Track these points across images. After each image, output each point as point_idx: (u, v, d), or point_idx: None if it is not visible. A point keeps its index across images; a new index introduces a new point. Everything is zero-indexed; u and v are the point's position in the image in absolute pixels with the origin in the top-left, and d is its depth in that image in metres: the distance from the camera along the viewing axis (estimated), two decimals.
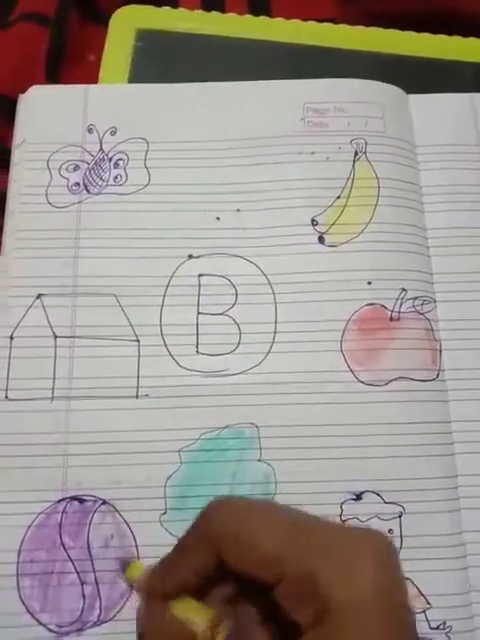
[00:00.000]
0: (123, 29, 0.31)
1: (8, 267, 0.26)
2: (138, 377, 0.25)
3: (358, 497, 0.24)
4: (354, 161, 0.28)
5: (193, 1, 0.33)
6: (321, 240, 0.27)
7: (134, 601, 0.23)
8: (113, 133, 0.28)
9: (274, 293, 0.26)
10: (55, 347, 0.25)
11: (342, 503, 0.24)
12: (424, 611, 0.23)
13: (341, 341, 0.26)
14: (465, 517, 0.24)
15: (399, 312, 0.26)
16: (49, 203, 0.27)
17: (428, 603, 0.23)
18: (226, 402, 0.25)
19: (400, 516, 0.24)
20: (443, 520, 0.24)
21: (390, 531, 0.24)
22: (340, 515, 0.24)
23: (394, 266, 0.27)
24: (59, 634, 0.23)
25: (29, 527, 0.24)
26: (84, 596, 0.23)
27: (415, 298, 0.26)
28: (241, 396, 0.25)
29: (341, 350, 0.26)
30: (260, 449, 0.25)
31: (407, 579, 0.23)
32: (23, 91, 0.29)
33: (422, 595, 0.23)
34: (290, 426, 0.25)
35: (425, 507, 0.24)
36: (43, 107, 0.29)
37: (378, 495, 0.24)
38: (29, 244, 0.27)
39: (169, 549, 0.23)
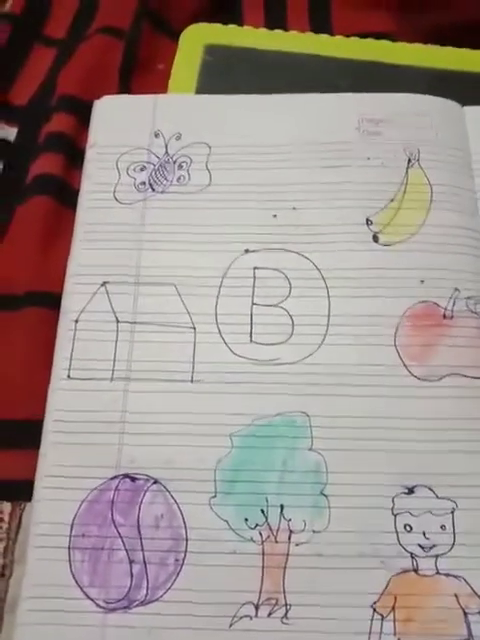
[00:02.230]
0: (192, 44, 0.33)
1: (76, 256, 0.28)
2: (193, 363, 0.26)
3: (410, 491, 0.24)
4: (407, 168, 0.29)
5: (257, 19, 0.35)
6: (375, 239, 0.28)
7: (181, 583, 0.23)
8: (178, 138, 0.30)
9: (327, 287, 0.27)
10: (117, 331, 0.26)
11: (394, 497, 0.24)
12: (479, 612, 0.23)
13: (395, 336, 0.26)
14: None
15: (452, 310, 0.26)
16: (116, 200, 0.29)
17: None
18: (278, 390, 0.25)
19: (453, 512, 0.24)
20: None
21: (442, 527, 0.24)
22: (392, 509, 0.24)
23: (447, 266, 0.27)
24: (106, 610, 0.23)
25: (82, 502, 0.24)
26: (132, 574, 0.23)
27: (468, 297, 0.27)
28: (293, 385, 0.25)
29: (395, 345, 0.26)
30: (311, 438, 0.25)
31: (461, 578, 0.23)
32: (97, 97, 0.31)
33: (476, 595, 0.23)
34: (342, 417, 0.25)
35: (478, 503, 0.24)
36: (115, 113, 0.31)
37: (431, 490, 0.24)
38: (97, 236, 0.28)
39: (217, 533, 0.24)
